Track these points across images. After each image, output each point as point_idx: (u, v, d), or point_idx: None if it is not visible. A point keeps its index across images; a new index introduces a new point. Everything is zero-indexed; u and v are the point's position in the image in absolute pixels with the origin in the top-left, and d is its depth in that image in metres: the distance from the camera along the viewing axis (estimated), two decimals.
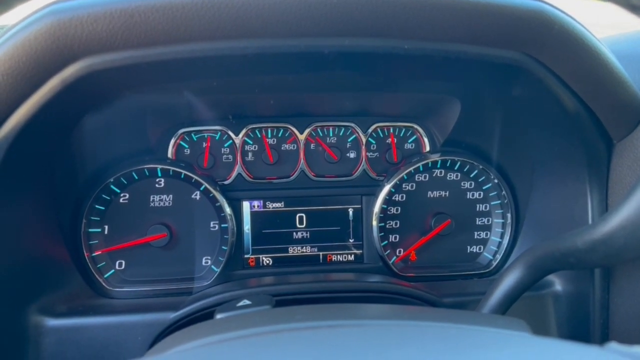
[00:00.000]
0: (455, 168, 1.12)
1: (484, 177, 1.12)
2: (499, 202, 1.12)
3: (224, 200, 1.07)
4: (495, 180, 1.11)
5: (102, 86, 0.75)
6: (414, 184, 1.12)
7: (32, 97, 0.70)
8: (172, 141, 1.08)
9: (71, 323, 0.89)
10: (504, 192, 1.11)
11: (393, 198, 1.12)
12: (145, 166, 1.05)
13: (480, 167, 1.11)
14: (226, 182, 1.10)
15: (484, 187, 1.13)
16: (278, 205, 1.11)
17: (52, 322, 0.87)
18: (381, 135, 1.13)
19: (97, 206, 1.05)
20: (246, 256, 1.11)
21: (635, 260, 0.69)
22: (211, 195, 1.07)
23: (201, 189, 1.07)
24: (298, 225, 1.12)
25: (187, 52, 0.67)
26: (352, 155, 1.13)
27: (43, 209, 0.93)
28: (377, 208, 1.10)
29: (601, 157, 0.89)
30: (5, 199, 0.81)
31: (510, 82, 0.83)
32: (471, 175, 1.12)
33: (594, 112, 0.83)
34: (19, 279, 0.86)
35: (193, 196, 1.08)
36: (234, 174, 1.10)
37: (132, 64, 0.68)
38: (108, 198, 1.05)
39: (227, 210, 1.07)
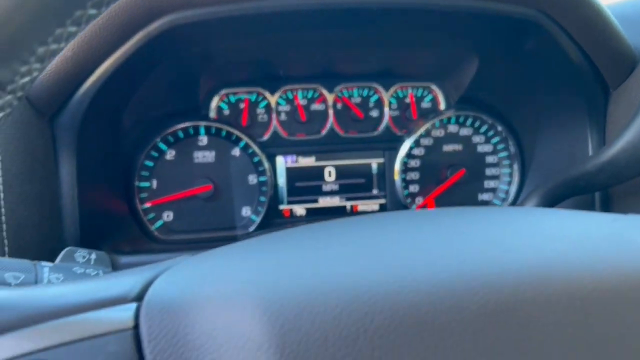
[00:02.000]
0: (468, 124, 1.25)
1: (493, 132, 1.25)
2: (506, 154, 1.26)
3: (263, 155, 1.18)
4: (503, 134, 1.24)
5: (175, 42, 0.85)
6: (432, 139, 1.25)
7: (120, 49, 0.80)
8: (214, 102, 1.19)
9: (140, 260, 0.99)
10: (511, 145, 1.24)
11: (413, 152, 1.24)
12: (190, 124, 1.16)
13: (490, 122, 1.24)
14: (262, 140, 1.22)
15: (492, 141, 1.26)
16: (309, 160, 1.23)
17: (124, 259, 0.98)
18: (401, 95, 1.26)
19: (146, 163, 1.15)
20: (281, 207, 1.23)
21: (634, 178, 0.82)
22: (250, 151, 1.18)
23: (241, 145, 1.18)
24: (327, 179, 1.24)
25: (257, 8, 0.79)
26: (375, 113, 1.25)
27: (106, 161, 1.03)
28: (398, 162, 1.23)
29: (599, 104, 1.03)
30: (83, 151, 0.91)
31: (523, 36, 0.96)
32: (481, 131, 1.25)
33: (594, 63, 0.96)
34: (93, 224, 0.96)
35: (233, 153, 1.19)
36: (270, 132, 1.22)
37: (207, 19, 0.79)
38: (156, 155, 1.16)
39: (266, 165, 1.18)
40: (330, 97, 1.23)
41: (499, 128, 1.24)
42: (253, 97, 1.21)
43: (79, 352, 0.30)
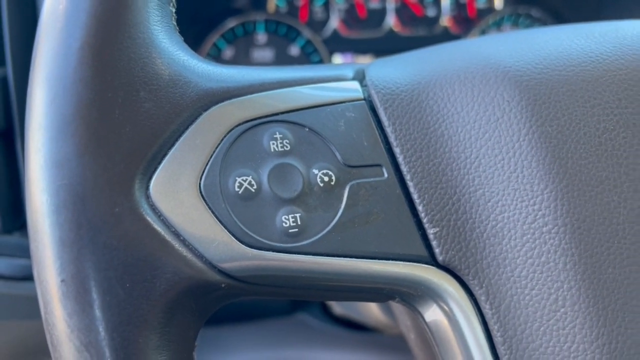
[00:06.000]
0: (523, 24, 1.24)
1: None
2: None
3: (326, 52, 1.16)
4: None
5: None
6: None
7: None
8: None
9: None
10: None
11: None
12: (249, 19, 1.12)
13: (547, 23, 1.24)
14: (322, 38, 1.19)
15: None
16: (367, 59, 1.22)
17: None
18: None
19: None
20: None
21: None
22: (310, 50, 1.16)
23: (301, 44, 1.16)
24: None
25: None
26: (433, 13, 1.23)
27: None
28: None
29: None
30: None
31: None
32: None
33: None
34: None
35: (292, 53, 1.17)
36: (328, 30, 1.19)
37: None
38: (215, 54, 1.13)
39: (328, 62, 1.17)
40: None
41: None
42: None
43: (324, 115, 0.32)
